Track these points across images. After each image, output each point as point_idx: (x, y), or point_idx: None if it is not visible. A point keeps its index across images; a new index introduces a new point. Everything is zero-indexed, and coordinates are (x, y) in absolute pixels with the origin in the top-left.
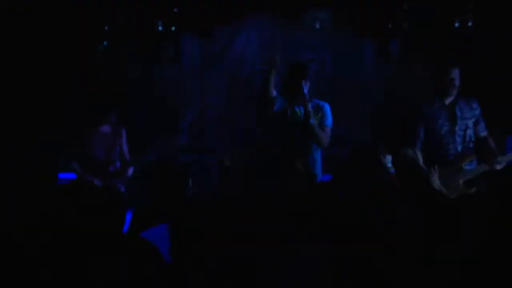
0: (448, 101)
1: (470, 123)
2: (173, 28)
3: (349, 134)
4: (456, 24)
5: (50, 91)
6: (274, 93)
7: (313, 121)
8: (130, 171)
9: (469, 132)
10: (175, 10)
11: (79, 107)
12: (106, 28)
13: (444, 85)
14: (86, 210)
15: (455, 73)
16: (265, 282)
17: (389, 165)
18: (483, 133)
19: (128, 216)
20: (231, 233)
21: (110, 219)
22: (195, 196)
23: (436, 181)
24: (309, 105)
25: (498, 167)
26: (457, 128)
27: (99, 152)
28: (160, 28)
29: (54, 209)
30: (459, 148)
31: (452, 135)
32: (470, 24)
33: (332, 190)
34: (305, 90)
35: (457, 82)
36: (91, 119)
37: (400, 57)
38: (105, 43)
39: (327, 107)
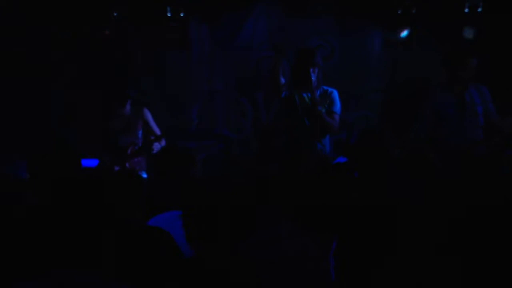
0: (458, 87)
1: (480, 108)
2: (181, 14)
3: (357, 121)
4: (466, 10)
5: (64, 78)
6: (282, 80)
7: (321, 108)
8: (163, 142)
9: (479, 118)
10: None
11: (95, 94)
12: (115, 14)
13: (459, 73)
14: (105, 197)
15: (473, 63)
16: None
17: None
18: (494, 118)
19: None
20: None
21: (128, 206)
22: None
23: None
24: (317, 92)
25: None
26: (466, 114)
27: (120, 135)
28: (169, 14)
29: (76, 193)
30: (468, 134)
31: (461, 121)
32: (479, 10)
33: (348, 170)
34: (313, 78)
35: (473, 73)
36: (108, 104)
37: (409, 43)
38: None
39: (335, 94)
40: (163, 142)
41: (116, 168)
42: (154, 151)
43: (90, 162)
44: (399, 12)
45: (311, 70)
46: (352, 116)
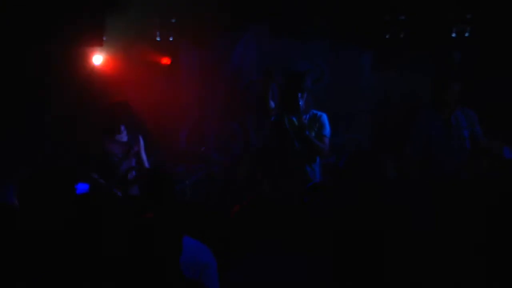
0: (444, 111)
1: (466, 132)
2: (171, 38)
3: (348, 143)
4: (453, 34)
5: (61, 102)
6: (271, 104)
7: (309, 132)
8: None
9: (465, 141)
10: (173, 20)
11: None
12: (104, 38)
13: (444, 98)
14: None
15: (456, 88)
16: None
17: None
18: (481, 141)
19: None
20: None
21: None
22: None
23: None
24: (305, 117)
25: None
26: (452, 137)
27: (116, 161)
28: (158, 38)
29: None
30: (455, 157)
31: (447, 144)
32: (467, 34)
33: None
34: (301, 102)
35: (458, 97)
36: (104, 130)
37: (398, 66)
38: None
39: (324, 117)
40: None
41: (119, 193)
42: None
43: (81, 186)
44: (387, 37)
45: (299, 95)
46: (341, 138)
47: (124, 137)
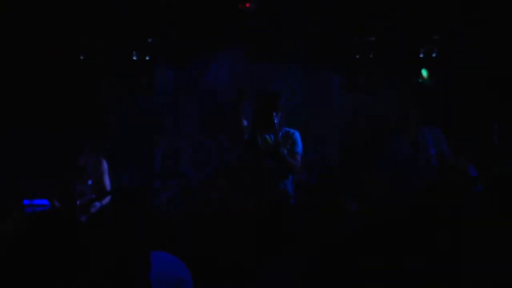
0: (410, 131)
1: (433, 150)
2: (147, 58)
3: (318, 160)
4: (421, 55)
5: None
6: (244, 122)
7: (283, 150)
8: (105, 200)
9: (432, 159)
10: (149, 40)
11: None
12: (82, 57)
13: (409, 119)
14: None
15: (414, 114)
16: None
17: None
18: (449, 159)
19: None
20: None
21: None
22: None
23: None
24: (279, 135)
25: None
26: (419, 156)
27: (75, 184)
28: (134, 57)
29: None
30: (422, 174)
31: (415, 162)
32: (434, 55)
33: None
34: (275, 121)
35: (416, 121)
36: (66, 151)
37: (367, 87)
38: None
39: (297, 135)
40: (106, 200)
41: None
42: (94, 209)
43: (41, 202)
44: (357, 57)
45: (274, 114)
46: (312, 156)
47: (84, 160)
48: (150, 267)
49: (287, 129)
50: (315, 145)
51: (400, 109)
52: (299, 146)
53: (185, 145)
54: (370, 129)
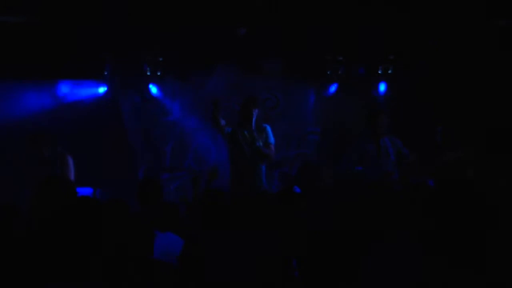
0: (375, 137)
1: (392, 150)
2: (158, 73)
3: (298, 157)
4: (379, 71)
5: None
6: (222, 121)
7: (259, 143)
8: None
9: (390, 156)
10: (160, 59)
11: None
12: (106, 73)
13: (374, 128)
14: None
15: (384, 120)
16: None
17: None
18: (405, 154)
19: None
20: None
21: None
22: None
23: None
24: (255, 130)
25: None
26: (381, 154)
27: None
28: (148, 73)
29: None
30: (383, 167)
31: (377, 158)
32: (390, 71)
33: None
34: (254, 117)
35: (385, 127)
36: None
37: (336, 97)
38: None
39: (268, 128)
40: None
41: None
42: None
43: (84, 190)
44: (328, 73)
45: (254, 111)
46: (293, 153)
47: (47, 155)
48: (153, 244)
49: (261, 124)
50: (297, 145)
51: (368, 116)
52: (271, 138)
53: (189, 143)
54: (341, 131)
